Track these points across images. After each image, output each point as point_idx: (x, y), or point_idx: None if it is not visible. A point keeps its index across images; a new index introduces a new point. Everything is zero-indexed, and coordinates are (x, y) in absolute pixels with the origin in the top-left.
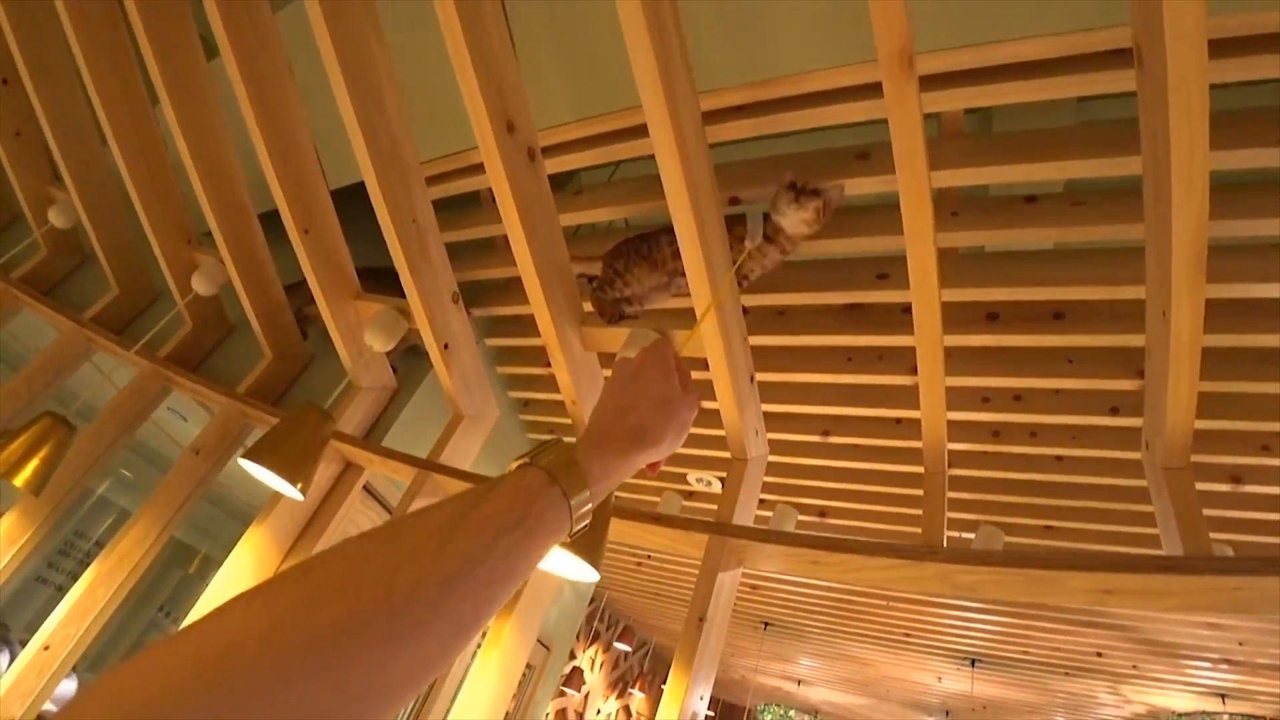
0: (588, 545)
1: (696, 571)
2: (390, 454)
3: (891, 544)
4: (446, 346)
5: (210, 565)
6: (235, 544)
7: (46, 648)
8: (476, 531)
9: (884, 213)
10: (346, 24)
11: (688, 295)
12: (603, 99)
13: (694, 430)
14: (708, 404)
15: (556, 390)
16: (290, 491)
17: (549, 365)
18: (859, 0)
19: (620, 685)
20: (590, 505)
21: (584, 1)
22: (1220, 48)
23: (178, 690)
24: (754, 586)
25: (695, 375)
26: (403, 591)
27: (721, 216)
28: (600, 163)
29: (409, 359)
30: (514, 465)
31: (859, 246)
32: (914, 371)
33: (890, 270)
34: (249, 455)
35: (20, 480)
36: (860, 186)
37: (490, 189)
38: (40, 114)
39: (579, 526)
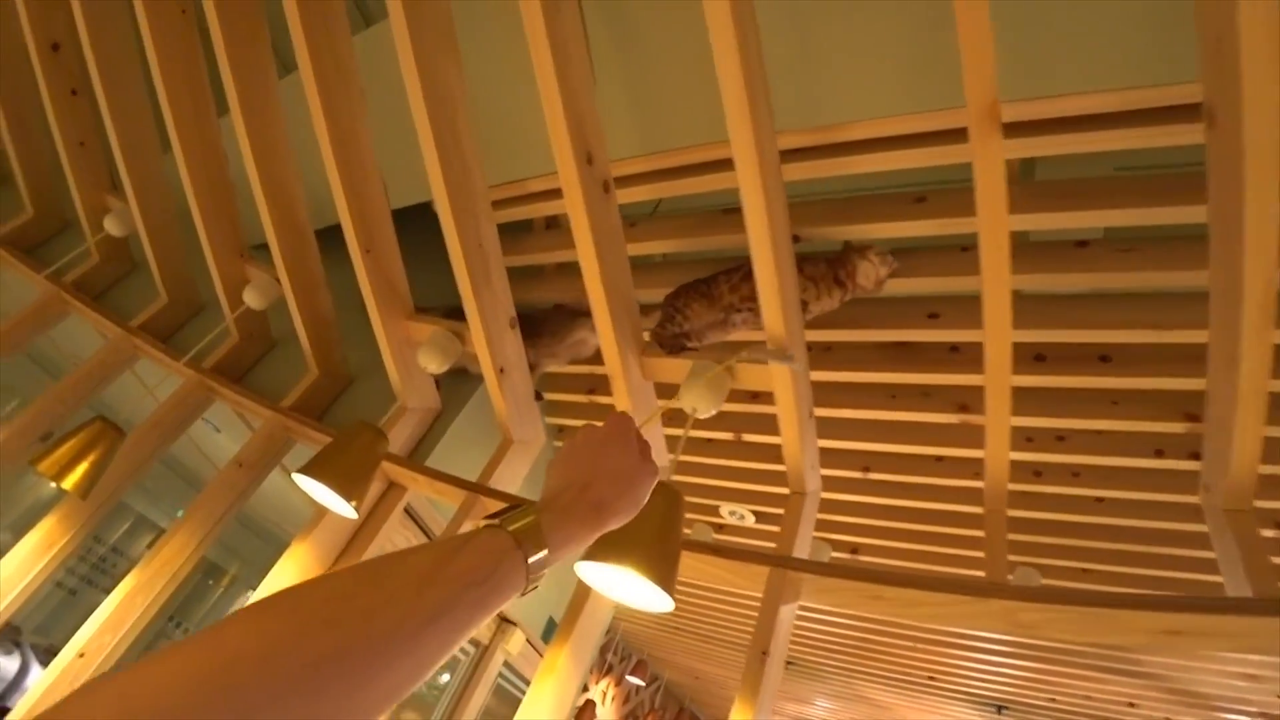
0: (664, 572)
1: (720, 604)
2: (439, 476)
3: (955, 579)
4: (502, 370)
5: (221, 576)
6: (253, 558)
7: (81, 655)
8: (449, 583)
9: (937, 254)
10: (428, 58)
11: (746, 331)
12: (665, 136)
13: (731, 463)
14: (752, 437)
15: (591, 417)
16: (344, 509)
17: (589, 392)
18: (920, 53)
19: None
20: (546, 569)
21: (652, 41)
22: None
23: (181, 697)
24: None
25: (756, 409)
26: (381, 631)
27: (792, 250)
28: (657, 197)
29: (453, 381)
30: (483, 524)
31: (907, 286)
32: (960, 409)
33: (941, 310)
34: (306, 470)
35: (70, 483)
36: (915, 229)
37: (544, 218)
38: (108, 124)
39: (531, 587)
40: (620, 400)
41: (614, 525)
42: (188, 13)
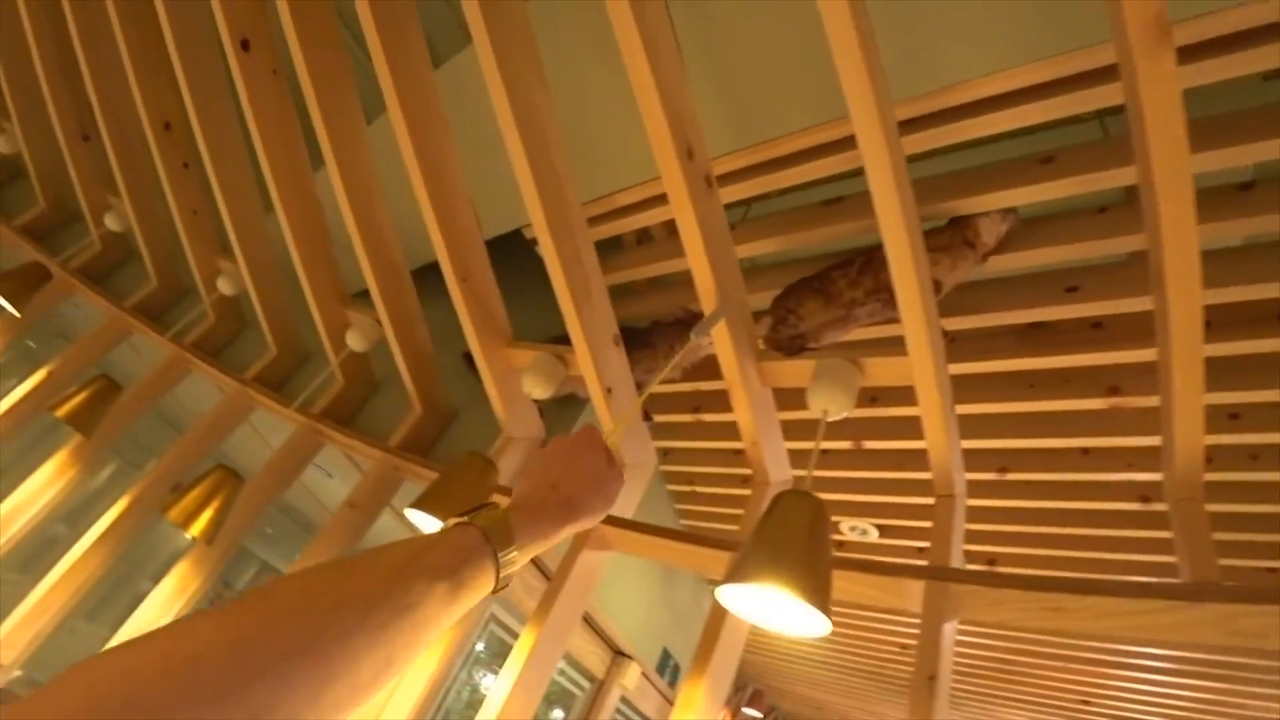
0: (817, 590)
1: (842, 626)
2: None
3: (1155, 583)
4: (609, 390)
5: None
6: None
7: None
8: (417, 577)
9: (1071, 219)
10: (515, 78)
11: (868, 328)
12: (760, 126)
13: (850, 474)
14: (872, 444)
15: (698, 438)
16: None
17: (695, 410)
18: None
19: None
20: (517, 566)
21: (734, 28)
22: None
23: (149, 687)
24: (904, 646)
25: (875, 413)
26: (350, 624)
27: (921, 225)
28: (755, 193)
29: (557, 407)
30: (452, 522)
31: (1037, 259)
32: (1110, 393)
33: (1081, 282)
34: (417, 504)
35: (196, 530)
36: (1049, 192)
37: (634, 233)
38: (217, 191)
39: (502, 585)
40: (740, 411)
41: (584, 523)
42: (279, 73)
